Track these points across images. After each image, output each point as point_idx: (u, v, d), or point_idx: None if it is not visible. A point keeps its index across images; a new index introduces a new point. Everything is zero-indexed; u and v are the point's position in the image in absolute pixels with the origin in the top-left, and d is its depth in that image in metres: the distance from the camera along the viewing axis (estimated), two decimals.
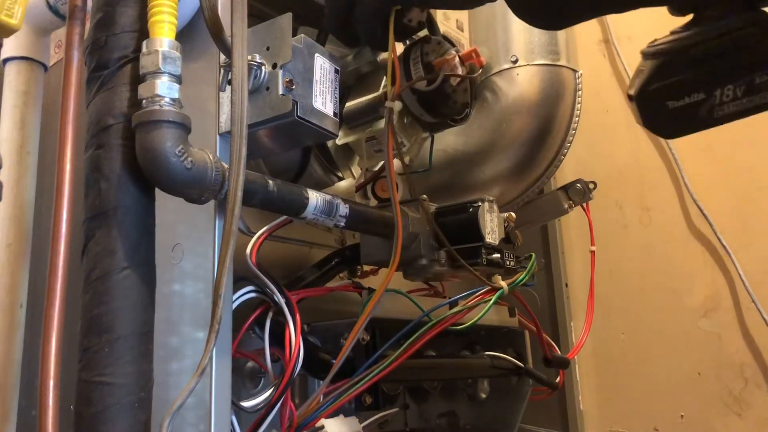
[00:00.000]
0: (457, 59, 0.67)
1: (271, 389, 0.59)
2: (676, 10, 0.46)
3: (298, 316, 0.60)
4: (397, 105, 0.64)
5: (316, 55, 0.57)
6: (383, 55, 0.73)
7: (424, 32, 0.70)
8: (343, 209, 0.63)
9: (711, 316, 1.10)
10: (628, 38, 1.28)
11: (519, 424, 0.97)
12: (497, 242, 0.72)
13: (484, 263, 0.70)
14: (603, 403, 1.20)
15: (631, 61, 1.24)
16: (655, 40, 0.47)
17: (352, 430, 0.67)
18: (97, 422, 0.42)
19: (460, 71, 0.67)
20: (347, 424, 0.66)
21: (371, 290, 0.76)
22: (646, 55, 0.47)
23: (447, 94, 0.68)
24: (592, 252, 1.02)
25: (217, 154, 0.53)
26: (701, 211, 1.13)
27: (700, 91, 0.46)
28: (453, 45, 0.76)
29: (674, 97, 0.46)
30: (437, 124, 0.72)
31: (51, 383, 0.42)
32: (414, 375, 0.84)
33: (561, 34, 0.94)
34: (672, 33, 0.46)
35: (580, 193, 0.99)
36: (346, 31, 0.61)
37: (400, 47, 0.70)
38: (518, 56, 0.92)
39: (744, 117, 0.46)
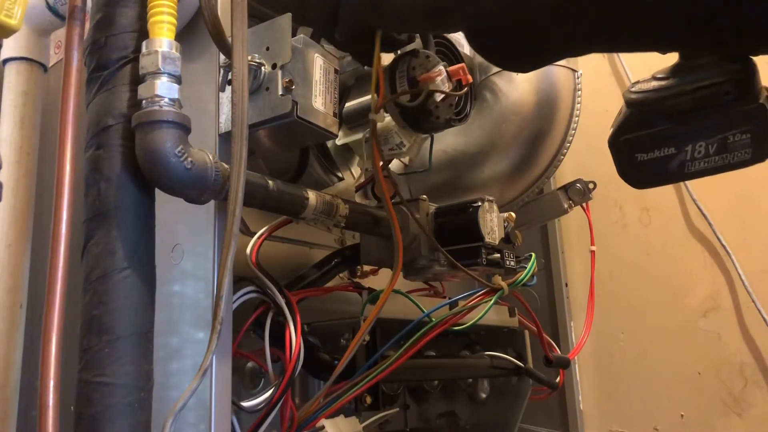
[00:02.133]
0: (443, 75, 0.65)
1: (272, 389, 0.59)
2: (660, 52, 0.45)
3: (298, 316, 0.60)
4: (380, 117, 0.63)
5: (316, 55, 0.57)
6: None
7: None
8: (343, 209, 0.63)
9: (711, 316, 1.10)
10: None
11: (519, 424, 0.97)
12: (497, 242, 0.72)
13: (484, 263, 0.70)
14: (603, 403, 1.20)
15: (631, 61, 1.24)
16: (638, 81, 0.45)
17: (353, 430, 0.67)
18: (97, 422, 0.42)
19: (446, 87, 0.66)
20: (347, 424, 0.66)
21: (371, 290, 0.76)
22: (625, 100, 0.46)
23: (429, 110, 0.66)
24: (592, 252, 1.02)
25: (217, 154, 0.53)
26: (701, 211, 1.13)
27: (670, 145, 0.44)
28: (452, 49, 0.76)
29: (643, 150, 0.45)
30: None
31: (51, 383, 0.42)
32: (414, 375, 0.84)
33: None
34: (654, 78, 0.45)
35: (579, 193, 0.99)
36: (334, 38, 0.60)
37: (389, 57, 0.69)
38: None
39: (714, 174, 0.44)
